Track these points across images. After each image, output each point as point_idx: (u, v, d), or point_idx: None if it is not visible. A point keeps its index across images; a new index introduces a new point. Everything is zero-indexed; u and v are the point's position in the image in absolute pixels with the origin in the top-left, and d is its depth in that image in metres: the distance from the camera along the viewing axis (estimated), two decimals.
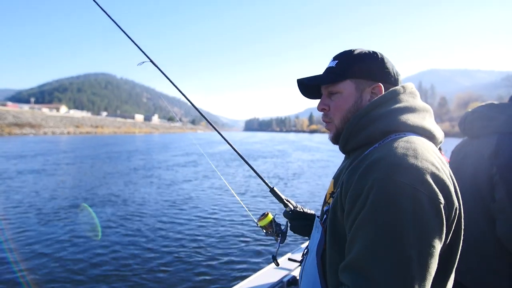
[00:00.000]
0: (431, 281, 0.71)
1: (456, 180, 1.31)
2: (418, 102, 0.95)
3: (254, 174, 1.47)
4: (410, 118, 0.89)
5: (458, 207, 0.79)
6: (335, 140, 1.01)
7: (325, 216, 0.97)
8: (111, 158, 22.91)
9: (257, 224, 1.37)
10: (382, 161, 0.77)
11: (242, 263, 5.19)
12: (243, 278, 3.02)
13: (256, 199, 9.91)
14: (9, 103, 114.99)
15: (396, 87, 0.96)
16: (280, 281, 2.41)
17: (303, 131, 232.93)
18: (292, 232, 1.32)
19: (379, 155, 0.80)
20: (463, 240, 0.83)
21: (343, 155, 1.02)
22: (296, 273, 2.54)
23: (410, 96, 0.95)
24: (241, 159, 1.60)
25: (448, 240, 0.80)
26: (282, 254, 3.02)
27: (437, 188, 0.73)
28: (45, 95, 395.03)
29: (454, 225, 0.80)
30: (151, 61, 1.70)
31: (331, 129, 1.01)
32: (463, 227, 0.83)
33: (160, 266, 5.00)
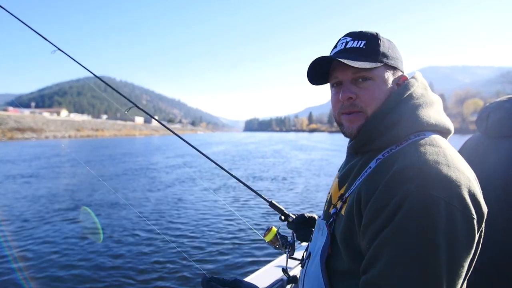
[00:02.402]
0: None
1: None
2: (431, 94, 0.90)
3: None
4: (430, 115, 0.84)
5: (485, 213, 0.73)
6: (359, 132, 0.89)
7: (331, 219, 0.90)
8: (107, 160, 23.47)
9: (264, 240, 1.35)
10: (412, 170, 0.71)
11: (242, 262, 5.26)
12: (243, 277, 3.11)
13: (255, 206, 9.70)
14: (11, 108, 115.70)
15: (410, 79, 0.89)
16: (280, 279, 2.37)
17: (303, 131, 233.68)
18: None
19: (406, 163, 0.73)
20: (489, 265, 0.80)
21: (338, 154, 1.08)
22: (296, 271, 2.47)
23: (423, 88, 0.89)
24: (234, 177, 1.64)
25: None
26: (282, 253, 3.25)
27: (470, 201, 0.69)
28: (45, 99, 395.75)
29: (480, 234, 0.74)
30: (60, 49, 1.92)
31: (358, 120, 0.88)
32: (483, 231, 0.78)
33: (158, 267, 5.10)
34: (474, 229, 0.68)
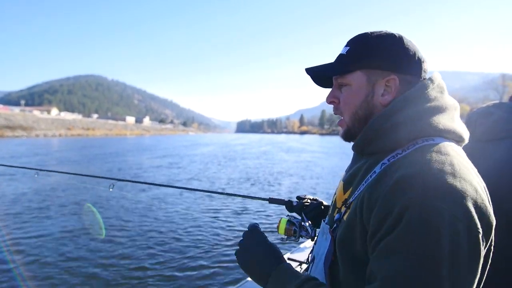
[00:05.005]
0: None
1: None
2: (446, 99, 0.84)
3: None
4: (441, 121, 0.79)
5: (493, 226, 0.70)
6: (346, 137, 0.92)
7: (335, 225, 0.88)
8: (98, 159, 23.92)
9: (282, 236, 1.30)
10: (415, 178, 0.68)
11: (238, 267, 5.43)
12: (243, 278, 3.06)
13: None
14: (0, 106, 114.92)
15: (424, 81, 0.83)
16: None
17: (294, 133, 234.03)
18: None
19: (410, 170, 0.70)
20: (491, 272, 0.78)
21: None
22: None
23: (439, 92, 0.83)
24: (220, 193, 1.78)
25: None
26: (283, 254, 3.52)
27: (477, 214, 0.66)
28: (35, 97, 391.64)
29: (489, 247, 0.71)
30: (118, 179, 2.09)
31: (342, 126, 0.92)
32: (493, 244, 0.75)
33: (156, 268, 5.08)
34: (479, 244, 0.66)
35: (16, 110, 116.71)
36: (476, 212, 0.66)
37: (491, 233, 0.70)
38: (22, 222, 7.46)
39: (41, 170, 2.26)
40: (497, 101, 1.52)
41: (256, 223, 1.01)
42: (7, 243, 6.00)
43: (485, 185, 0.75)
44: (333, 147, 43.56)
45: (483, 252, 0.68)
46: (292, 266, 0.90)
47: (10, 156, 24.99)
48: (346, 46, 0.90)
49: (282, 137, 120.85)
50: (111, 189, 1.92)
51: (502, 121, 1.40)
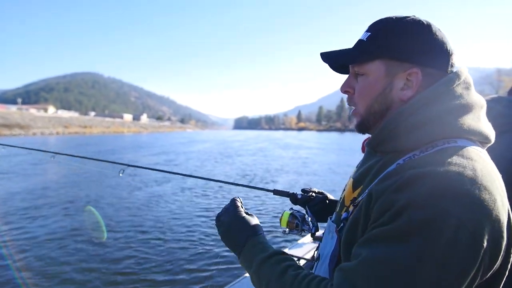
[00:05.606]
0: None
1: None
2: (472, 96, 0.76)
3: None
4: (465, 121, 0.73)
5: (508, 241, 0.64)
6: (360, 129, 0.86)
7: (342, 224, 0.82)
8: (94, 157, 24.15)
9: (284, 229, 1.25)
10: (427, 178, 0.63)
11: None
12: (240, 275, 3.05)
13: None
14: None
15: (450, 75, 0.76)
16: None
17: (292, 129, 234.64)
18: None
19: (424, 169, 0.65)
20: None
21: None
22: None
23: (465, 88, 0.76)
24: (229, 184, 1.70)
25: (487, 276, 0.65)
26: (282, 249, 3.46)
27: (486, 228, 0.60)
28: (31, 95, 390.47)
29: (498, 261, 0.64)
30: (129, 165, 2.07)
31: (356, 116, 0.85)
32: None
33: (158, 263, 5.13)
34: (477, 258, 0.59)
35: (13, 108, 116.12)
36: (486, 226, 0.60)
37: (498, 253, 0.63)
38: (23, 219, 7.52)
39: (56, 153, 2.45)
40: (495, 95, 1.49)
41: (236, 197, 1.00)
42: (6, 242, 6.02)
43: (505, 196, 0.69)
44: (330, 144, 43.70)
45: (479, 267, 0.61)
46: (265, 239, 0.89)
47: (6, 155, 24.71)
48: (366, 31, 0.82)
49: (280, 133, 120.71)
50: (121, 174, 2.00)
51: (500, 116, 1.37)
